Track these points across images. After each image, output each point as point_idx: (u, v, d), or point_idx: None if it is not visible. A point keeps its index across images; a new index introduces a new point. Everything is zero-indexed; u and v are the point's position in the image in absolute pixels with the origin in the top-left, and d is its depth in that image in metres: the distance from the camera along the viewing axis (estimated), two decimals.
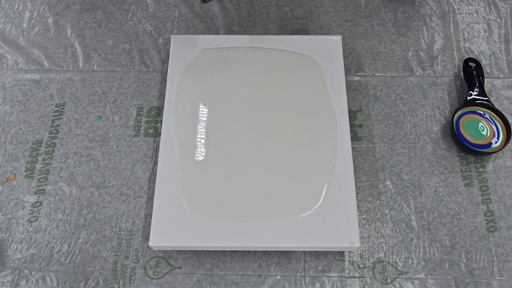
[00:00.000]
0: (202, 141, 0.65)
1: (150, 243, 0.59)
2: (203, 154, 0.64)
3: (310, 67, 0.70)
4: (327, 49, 0.72)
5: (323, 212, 0.60)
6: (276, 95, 0.68)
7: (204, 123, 0.67)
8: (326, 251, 0.63)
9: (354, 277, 0.62)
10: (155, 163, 0.68)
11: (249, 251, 0.63)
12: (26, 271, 0.62)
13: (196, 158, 0.64)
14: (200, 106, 0.68)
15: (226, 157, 0.64)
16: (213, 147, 0.65)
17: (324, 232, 0.59)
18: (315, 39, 0.73)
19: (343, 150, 0.64)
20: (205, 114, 0.67)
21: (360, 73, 0.76)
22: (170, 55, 0.72)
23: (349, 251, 0.63)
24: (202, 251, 0.63)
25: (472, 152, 0.68)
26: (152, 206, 0.61)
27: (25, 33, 0.79)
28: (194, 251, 0.63)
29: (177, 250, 0.63)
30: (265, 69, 0.70)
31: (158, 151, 0.65)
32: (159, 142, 0.65)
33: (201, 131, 0.66)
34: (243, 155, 0.64)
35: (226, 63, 0.71)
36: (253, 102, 0.68)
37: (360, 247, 0.61)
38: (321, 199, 0.61)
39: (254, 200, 0.62)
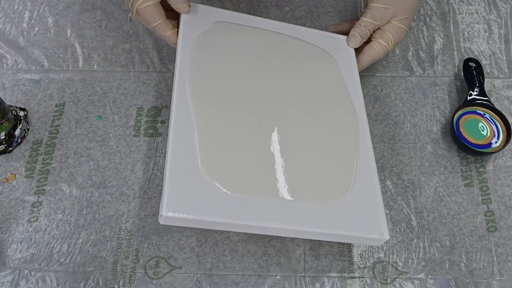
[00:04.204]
0: (224, 111, 0.59)
1: (163, 213, 0.50)
2: (225, 122, 0.59)
3: (326, 59, 0.69)
4: (340, 46, 0.71)
5: (351, 202, 0.57)
6: (293, 79, 0.65)
7: (224, 90, 0.60)
8: (326, 252, 0.63)
9: (354, 277, 0.62)
10: (155, 163, 0.68)
11: (249, 251, 0.63)
12: (26, 271, 0.62)
13: (216, 126, 0.58)
14: (220, 70, 0.63)
15: (248, 127, 0.59)
16: (235, 117, 0.59)
17: (352, 222, 0.56)
18: (329, 36, 0.73)
19: (364, 141, 0.62)
20: (225, 81, 0.62)
21: (360, 73, 0.76)
22: (181, 20, 0.66)
23: (349, 251, 0.63)
24: (202, 251, 0.63)
25: (472, 152, 0.68)
26: (152, 206, 0.61)
27: (25, 33, 0.79)
28: (194, 251, 0.63)
29: (177, 250, 0.63)
30: (283, 53, 0.68)
31: (158, 151, 0.65)
32: (159, 142, 0.65)
33: (221, 99, 0.59)
34: (267, 130, 0.59)
35: (242, 39, 0.67)
36: (271, 83, 0.64)
37: (389, 239, 0.59)
38: (349, 188, 0.58)
39: (280, 178, 0.56)
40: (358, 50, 0.72)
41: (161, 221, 0.51)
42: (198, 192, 0.52)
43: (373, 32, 0.71)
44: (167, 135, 0.70)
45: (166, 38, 0.65)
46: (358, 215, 0.56)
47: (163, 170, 0.54)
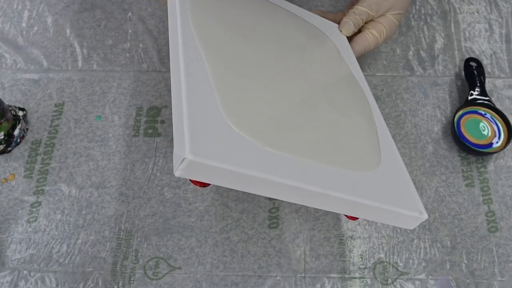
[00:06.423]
0: (239, 62, 0.53)
1: (187, 155, 0.38)
2: (243, 72, 0.52)
3: (324, 38, 0.67)
4: (332, 31, 0.69)
5: (383, 177, 0.52)
6: (295, 54, 0.61)
7: (237, 45, 0.54)
8: (326, 252, 0.63)
9: (355, 278, 0.62)
10: (155, 163, 0.68)
11: (249, 251, 0.63)
12: (25, 272, 0.62)
13: (234, 74, 0.51)
14: (227, 24, 0.56)
15: (267, 82, 0.53)
16: (252, 69, 0.53)
17: (388, 197, 0.50)
18: (320, 19, 0.71)
19: (378, 119, 0.59)
20: (237, 38, 0.55)
21: None
22: None
23: (349, 252, 0.63)
24: (201, 251, 0.63)
25: (473, 152, 0.68)
26: (151, 206, 0.61)
27: (24, 32, 0.79)
28: (193, 251, 0.63)
29: (177, 250, 0.63)
30: (284, 27, 0.64)
31: (158, 151, 0.64)
32: (159, 142, 0.65)
33: (235, 51, 0.53)
34: (285, 91, 0.53)
35: (243, 7, 0.62)
36: (276, 52, 0.59)
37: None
38: (380, 161, 0.53)
39: (310, 139, 0.50)
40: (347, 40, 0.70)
41: (179, 171, 0.39)
42: (224, 138, 0.42)
43: (365, 23, 0.69)
44: (166, 135, 0.70)
45: None
46: (392, 190, 0.51)
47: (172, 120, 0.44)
